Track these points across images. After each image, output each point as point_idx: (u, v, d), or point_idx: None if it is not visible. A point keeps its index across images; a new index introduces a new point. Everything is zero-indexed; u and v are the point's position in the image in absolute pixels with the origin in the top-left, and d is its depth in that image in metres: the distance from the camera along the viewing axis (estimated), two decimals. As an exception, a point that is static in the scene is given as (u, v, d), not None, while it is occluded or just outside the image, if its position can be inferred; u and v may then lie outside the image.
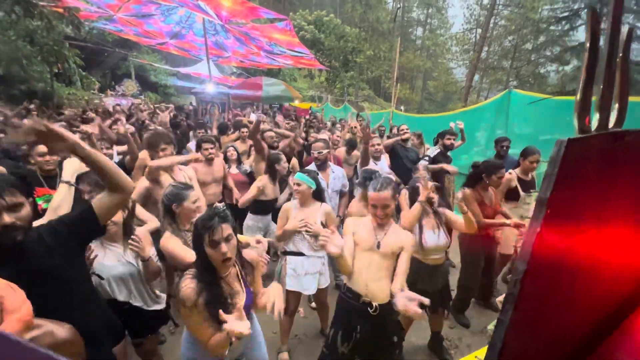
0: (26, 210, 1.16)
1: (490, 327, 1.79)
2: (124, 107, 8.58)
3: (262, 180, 3.06)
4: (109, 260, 1.75)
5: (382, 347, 1.86)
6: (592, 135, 0.44)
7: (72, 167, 1.71)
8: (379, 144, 3.78)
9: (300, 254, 2.43)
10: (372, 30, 26.01)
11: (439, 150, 4.14)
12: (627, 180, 0.49)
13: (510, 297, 0.39)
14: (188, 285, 1.33)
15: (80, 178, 1.84)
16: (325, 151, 3.21)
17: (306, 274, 2.41)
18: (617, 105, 0.52)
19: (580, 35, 19.54)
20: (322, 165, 3.23)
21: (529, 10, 20.99)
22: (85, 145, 1.17)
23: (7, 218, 1.09)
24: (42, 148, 2.34)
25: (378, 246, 1.82)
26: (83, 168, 1.74)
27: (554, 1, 21.31)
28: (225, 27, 7.63)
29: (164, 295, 2.10)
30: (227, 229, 1.36)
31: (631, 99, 0.53)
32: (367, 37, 25.14)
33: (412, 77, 32.51)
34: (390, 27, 28.07)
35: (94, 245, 1.69)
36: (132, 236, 1.78)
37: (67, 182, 1.69)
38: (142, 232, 1.90)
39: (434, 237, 2.30)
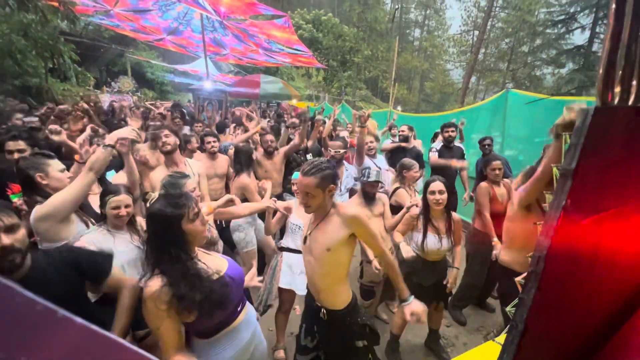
0: (22, 232, 1.14)
1: (509, 308, 1.69)
2: (130, 104, 8.43)
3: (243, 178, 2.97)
4: (120, 247, 1.76)
5: (344, 350, 1.72)
6: (617, 107, 0.42)
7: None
8: (372, 142, 3.76)
9: (298, 251, 2.37)
10: (370, 30, 26.05)
11: (442, 143, 4.17)
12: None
13: (533, 276, 0.36)
14: (155, 283, 1.17)
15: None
16: (342, 151, 3.19)
17: (301, 273, 2.34)
18: (635, 82, 0.50)
19: (576, 38, 19.74)
20: (337, 163, 3.20)
21: (525, 13, 21.16)
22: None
23: (6, 239, 1.08)
24: (14, 145, 2.22)
25: (304, 241, 1.66)
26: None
27: (550, 4, 21.53)
28: (223, 23, 7.57)
29: None
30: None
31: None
32: (365, 37, 25.19)
33: (410, 78, 32.60)
34: (388, 27, 28.16)
35: (100, 231, 1.74)
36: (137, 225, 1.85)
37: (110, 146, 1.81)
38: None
39: (435, 241, 2.27)
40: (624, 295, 0.53)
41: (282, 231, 2.73)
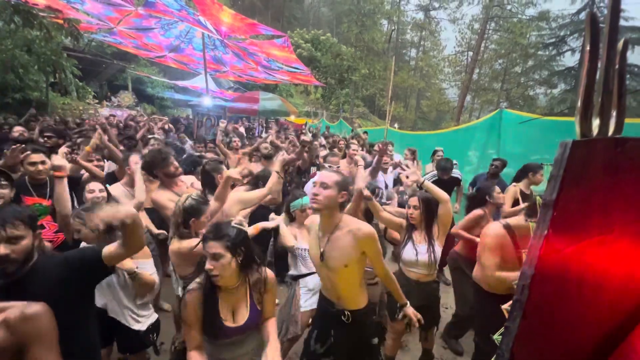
0: (26, 242, 1.19)
1: (496, 337, 1.70)
2: (120, 117, 8.56)
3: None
4: None
5: (360, 349, 1.81)
6: (596, 139, 0.44)
7: None
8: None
9: (314, 272, 2.31)
10: (367, 49, 26.75)
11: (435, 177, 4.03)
12: (630, 188, 0.49)
13: (518, 304, 0.37)
14: (193, 290, 1.38)
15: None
16: (336, 167, 3.24)
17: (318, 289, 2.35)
18: (614, 113, 0.53)
19: (567, 60, 20.40)
20: None
21: (517, 35, 21.89)
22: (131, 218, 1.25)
23: (2, 249, 1.13)
24: (33, 157, 2.33)
25: (322, 257, 1.67)
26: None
27: (541, 28, 22.35)
28: (224, 42, 7.76)
29: (149, 314, 2.01)
30: (214, 246, 1.32)
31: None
32: (363, 56, 25.82)
33: (406, 96, 33.24)
34: (385, 47, 28.92)
35: None
36: None
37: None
38: None
39: (411, 251, 2.24)
40: (611, 322, 0.54)
41: (277, 257, 2.70)
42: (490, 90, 26.07)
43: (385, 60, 26.66)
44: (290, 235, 2.34)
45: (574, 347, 0.47)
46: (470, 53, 26.73)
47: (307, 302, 2.31)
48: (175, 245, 1.85)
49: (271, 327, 1.52)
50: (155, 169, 2.55)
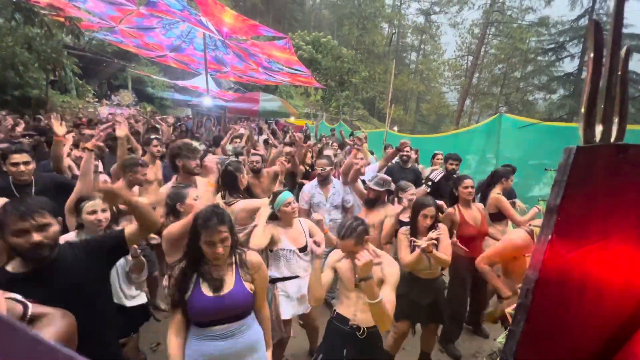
0: (54, 229, 1.29)
1: (500, 339, 1.73)
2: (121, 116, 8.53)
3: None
4: None
5: None
6: (599, 145, 0.44)
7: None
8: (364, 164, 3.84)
9: (296, 276, 2.30)
10: (367, 52, 26.84)
11: (442, 174, 4.01)
12: (632, 193, 0.49)
13: (522, 308, 0.37)
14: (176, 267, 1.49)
15: None
16: (328, 168, 3.23)
17: (302, 296, 2.29)
18: (617, 120, 0.53)
19: (566, 66, 20.52)
20: (324, 181, 3.23)
21: (517, 40, 22.04)
22: (134, 198, 1.51)
23: (37, 237, 1.22)
24: (15, 157, 2.27)
25: (356, 285, 1.78)
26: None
27: (540, 33, 22.51)
28: (225, 43, 7.77)
29: (139, 294, 2.15)
30: (224, 230, 1.44)
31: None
32: (363, 59, 25.90)
33: (406, 99, 33.33)
34: (385, 50, 29.05)
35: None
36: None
37: None
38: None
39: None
40: (613, 326, 0.54)
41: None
42: (490, 95, 26.20)
43: (385, 63, 26.77)
44: (261, 236, 2.17)
45: (576, 351, 0.47)
46: (470, 57, 26.90)
47: (287, 310, 2.26)
48: (165, 230, 1.96)
49: (266, 331, 1.63)
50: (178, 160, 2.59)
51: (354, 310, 1.81)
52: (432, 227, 2.30)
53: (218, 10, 5.87)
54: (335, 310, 1.89)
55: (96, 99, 12.42)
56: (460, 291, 2.88)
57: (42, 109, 8.62)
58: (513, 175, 3.39)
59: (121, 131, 3.00)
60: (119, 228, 1.86)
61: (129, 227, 1.53)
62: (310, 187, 3.32)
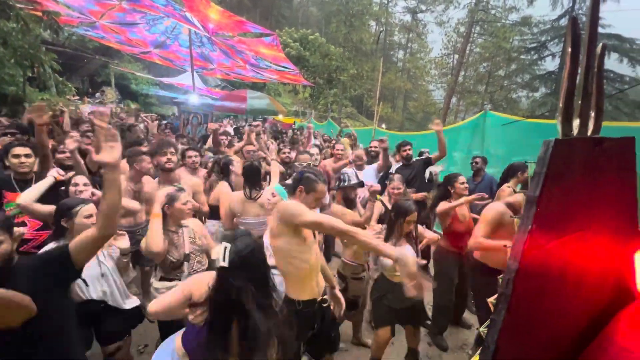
0: (4, 247, 1.19)
1: (482, 328, 1.77)
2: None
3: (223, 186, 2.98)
4: None
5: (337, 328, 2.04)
6: (576, 138, 0.46)
7: None
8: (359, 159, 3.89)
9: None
10: (355, 50, 26.85)
11: (401, 164, 4.23)
12: (607, 185, 0.51)
13: (503, 298, 0.38)
14: None
15: None
16: (311, 164, 3.24)
17: None
18: (593, 114, 0.55)
19: (548, 64, 21.07)
20: None
21: (501, 39, 22.45)
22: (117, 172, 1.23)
23: None
24: (17, 150, 2.31)
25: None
26: None
27: (523, 32, 23.01)
28: (211, 39, 7.64)
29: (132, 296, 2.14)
30: None
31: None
32: (351, 56, 25.92)
33: (394, 97, 33.57)
34: (373, 48, 29.13)
35: None
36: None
37: None
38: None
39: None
40: (590, 313, 0.56)
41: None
42: (475, 93, 26.64)
43: (373, 61, 26.84)
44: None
45: (555, 339, 0.49)
46: (456, 56, 27.24)
47: None
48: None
49: None
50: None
51: (315, 284, 1.84)
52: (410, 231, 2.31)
53: (203, 5, 5.77)
54: (300, 301, 1.81)
55: (77, 97, 12.01)
56: (447, 285, 2.94)
57: (20, 107, 8.28)
58: (528, 169, 3.40)
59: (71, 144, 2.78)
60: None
61: (77, 239, 1.29)
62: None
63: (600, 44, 0.55)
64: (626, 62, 15.90)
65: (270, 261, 2.28)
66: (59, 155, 2.85)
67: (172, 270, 1.99)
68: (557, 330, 0.49)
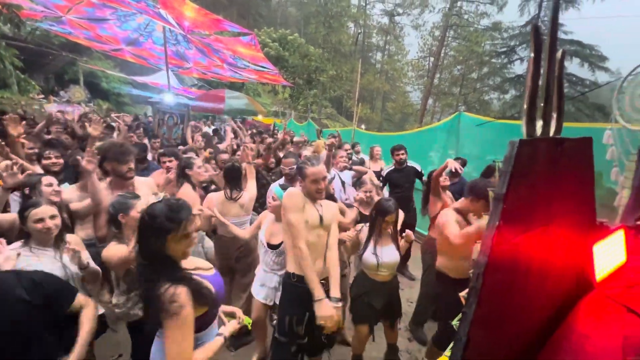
0: None
1: (455, 322, 1.84)
2: (74, 115, 7.80)
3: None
4: (46, 266, 1.60)
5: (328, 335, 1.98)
6: (540, 139, 0.49)
7: None
8: (341, 157, 3.89)
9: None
10: (334, 51, 27.07)
11: (392, 167, 4.30)
12: (568, 182, 0.54)
13: (474, 291, 0.40)
14: (176, 290, 1.17)
15: None
16: (291, 167, 3.22)
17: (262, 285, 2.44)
18: (555, 115, 0.59)
19: (517, 68, 22.10)
20: (292, 180, 3.22)
21: (473, 44, 23.37)
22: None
23: None
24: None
25: (321, 220, 1.96)
26: None
27: (494, 37, 24.04)
28: (187, 37, 7.45)
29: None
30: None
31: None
32: (330, 57, 26.11)
33: (372, 98, 34.08)
34: (351, 49, 29.45)
35: (22, 251, 1.62)
36: (66, 243, 1.76)
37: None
38: (74, 239, 1.88)
39: (371, 256, 2.30)
40: (555, 303, 0.59)
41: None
42: (450, 95, 27.56)
43: (352, 62, 27.13)
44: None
45: (523, 330, 0.52)
46: (432, 59, 28.05)
47: (259, 293, 2.42)
48: (105, 250, 1.77)
49: None
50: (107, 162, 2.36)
51: (319, 259, 1.94)
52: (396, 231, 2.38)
53: (178, 3, 5.62)
54: (294, 274, 1.93)
55: (42, 95, 11.33)
56: (432, 277, 3.02)
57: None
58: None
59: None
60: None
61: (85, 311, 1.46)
62: (276, 186, 3.33)
63: (560, 50, 0.58)
64: (587, 67, 16.94)
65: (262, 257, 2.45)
66: (45, 162, 2.72)
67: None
68: (524, 321, 0.52)
